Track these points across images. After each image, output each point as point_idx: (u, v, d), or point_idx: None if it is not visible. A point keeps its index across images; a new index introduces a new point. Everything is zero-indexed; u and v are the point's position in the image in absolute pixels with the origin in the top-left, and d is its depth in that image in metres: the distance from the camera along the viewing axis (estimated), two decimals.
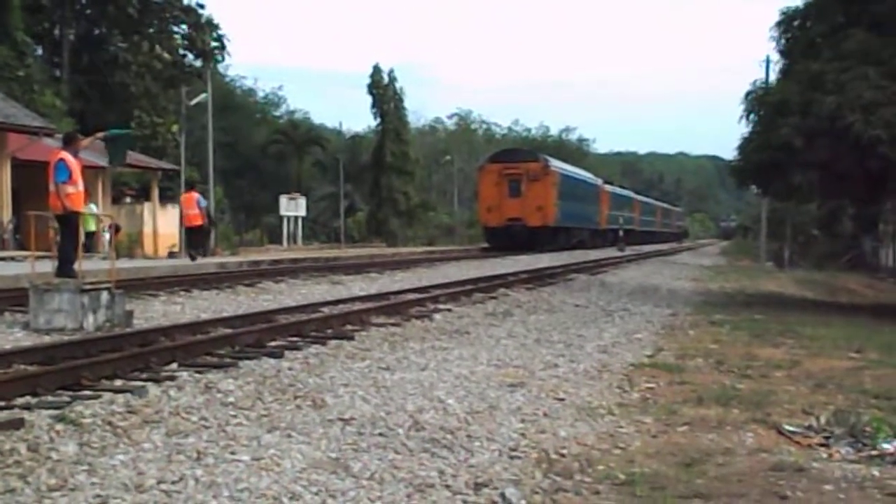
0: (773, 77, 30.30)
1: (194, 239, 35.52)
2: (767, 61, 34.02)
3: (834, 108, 23.21)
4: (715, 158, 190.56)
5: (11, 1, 48.09)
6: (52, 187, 16.32)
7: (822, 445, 8.50)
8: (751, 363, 13.41)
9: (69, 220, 16.46)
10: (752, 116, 26.55)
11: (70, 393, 9.41)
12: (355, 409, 9.18)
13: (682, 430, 9.03)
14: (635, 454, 8.06)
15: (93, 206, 38.41)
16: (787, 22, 27.24)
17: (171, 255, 42.33)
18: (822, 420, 9.26)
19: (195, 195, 35.56)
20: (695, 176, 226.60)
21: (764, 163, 25.54)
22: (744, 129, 26.96)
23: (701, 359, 13.84)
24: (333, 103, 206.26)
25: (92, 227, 37.97)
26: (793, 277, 43.56)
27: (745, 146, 26.82)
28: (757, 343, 16.02)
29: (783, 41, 27.57)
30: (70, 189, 16.29)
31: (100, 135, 18.71)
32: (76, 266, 16.01)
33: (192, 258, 33.46)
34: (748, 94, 26.87)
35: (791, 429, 9.03)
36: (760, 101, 26.37)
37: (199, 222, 35.18)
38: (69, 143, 17.13)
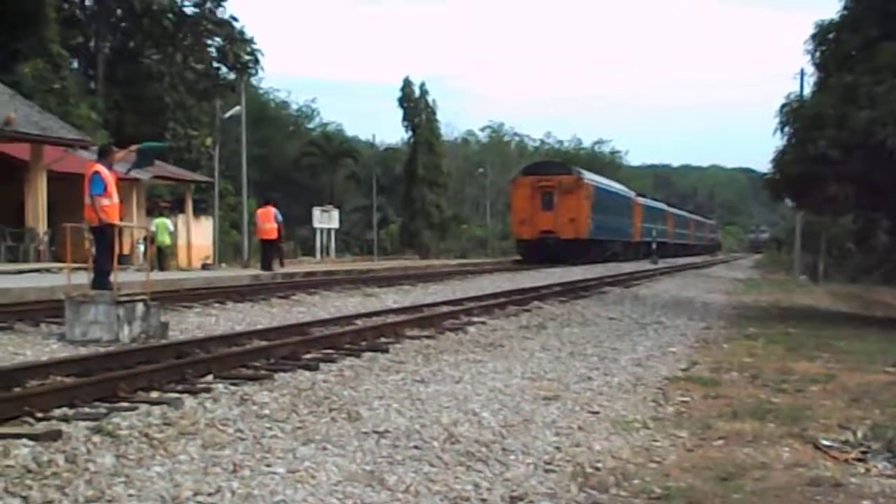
0: (807, 90, 30.15)
1: (269, 252, 35.79)
2: (802, 74, 33.83)
3: (868, 122, 23.10)
4: (748, 171, 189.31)
5: (47, 14, 48.43)
6: (87, 199, 16.43)
7: (859, 460, 8.44)
8: (786, 377, 13.33)
9: (104, 233, 16.55)
10: (786, 129, 26.41)
11: (107, 405, 9.44)
12: (390, 422, 9.18)
13: (718, 445, 8.99)
14: (671, 468, 8.03)
15: (168, 223, 38.92)
16: (822, 35, 27.10)
17: (205, 266, 42.51)
18: (859, 434, 9.20)
19: (272, 209, 35.82)
20: (728, 188, 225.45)
21: (799, 175, 25.42)
22: (778, 141, 26.84)
23: (736, 372, 13.78)
24: (366, 116, 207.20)
25: (167, 240, 38.40)
26: (827, 291, 43.32)
27: (780, 159, 26.69)
28: (792, 357, 15.93)
29: (818, 54, 27.41)
30: (105, 201, 16.39)
31: (134, 147, 18.83)
32: (112, 278, 16.08)
33: (266, 269, 34.15)
34: (783, 106, 26.73)
35: (828, 443, 8.97)
36: (795, 114, 26.24)
37: (274, 236, 35.53)
38: (104, 155, 17.26)
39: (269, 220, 35.55)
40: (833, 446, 8.88)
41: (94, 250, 17.05)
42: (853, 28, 26.13)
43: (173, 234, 41.31)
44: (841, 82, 24.63)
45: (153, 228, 37.20)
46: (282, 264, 37.09)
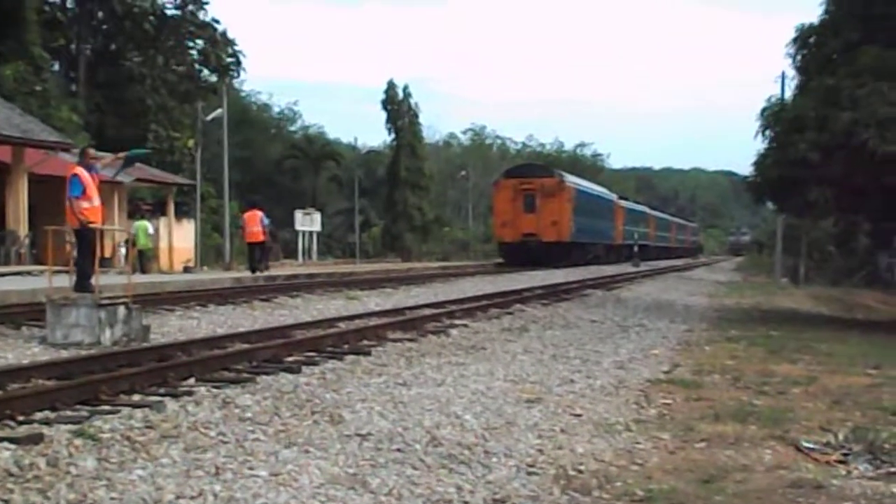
0: (788, 93, 30.25)
1: (256, 254, 36.58)
2: (783, 77, 33.89)
3: (849, 123, 23.19)
4: (730, 174, 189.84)
5: (28, 16, 48.29)
6: (67, 202, 16.39)
7: (840, 462, 8.48)
8: (768, 379, 13.38)
9: (85, 235, 16.50)
10: (767, 132, 26.48)
11: (88, 408, 9.43)
12: (372, 425, 9.19)
13: (700, 447, 9.01)
14: (653, 470, 8.05)
15: (149, 226, 39.22)
16: (803, 39, 27.20)
17: (187, 269, 42.41)
18: (841, 437, 9.24)
19: (259, 213, 36.59)
20: (710, 191, 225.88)
21: (780, 178, 25.50)
22: (759, 144, 26.92)
23: (717, 375, 13.82)
24: (348, 118, 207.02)
25: (148, 243, 38.69)
26: (808, 293, 43.43)
27: (761, 162, 26.77)
28: (774, 359, 15.98)
29: (799, 58, 27.51)
30: (85, 204, 16.34)
31: (121, 155, 18.78)
32: (93, 281, 16.04)
33: (253, 271, 34.94)
34: (764, 109, 26.81)
35: (809, 445, 9.01)
36: (776, 117, 26.31)
37: (260, 238, 36.41)
38: (83, 157, 17.23)
39: (255, 223, 36.20)
40: (815, 448, 8.91)
41: (75, 253, 17.02)
42: (834, 32, 26.23)
43: (153, 237, 41.33)
44: (822, 85, 24.71)
45: (133, 231, 37.17)
46: (266, 267, 37.69)
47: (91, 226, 16.49)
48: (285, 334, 15.71)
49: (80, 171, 16.52)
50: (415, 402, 10.50)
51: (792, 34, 27.34)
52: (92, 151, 17.82)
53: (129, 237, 34.91)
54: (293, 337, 15.33)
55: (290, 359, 13.18)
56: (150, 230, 40.09)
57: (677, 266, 73.94)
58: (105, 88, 59.28)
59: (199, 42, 65.07)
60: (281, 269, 46.82)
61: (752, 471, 8.11)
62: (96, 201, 16.67)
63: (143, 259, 38.51)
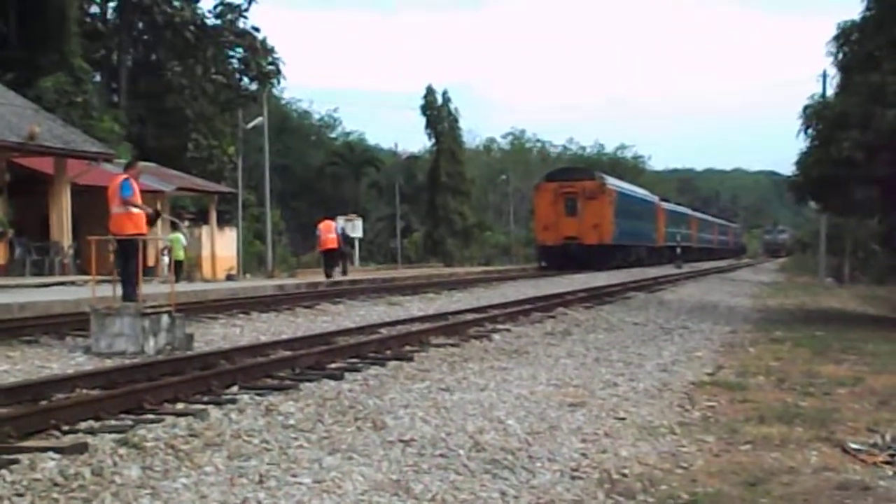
0: (829, 92, 30.02)
1: (330, 260, 39.60)
2: (824, 76, 33.70)
3: (895, 121, 22.96)
4: (772, 174, 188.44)
5: (69, 28, 48.66)
6: (114, 210, 16.42)
7: (887, 463, 8.38)
8: (813, 380, 13.26)
9: (131, 244, 16.57)
10: (809, 131, 26.28)
11: (132, 417, 9.48)
12: (415, 431, 9.18)
13: (745, 449, 8.94)
14: (698, 474, 7.99)
15: (182, 237, 40.01)
16: (845, 36, 26.94)
17: (230, 277, 42.61)
18: (888, 437, 9.15)
19: (332, 223, 40.56)
20: (752, 192, 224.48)
21: (823, 178, 25.31)
22: (802, 143, 26.72)
23: (762, 376, 13.71)
24: (388, 125, 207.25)
25: (183, 255, 39.43)
26: (853, 293, 43.13)
27: (804, 161, 26.57)
28: (819, 360, 15.83)
29: (840, 55, 27.25)
30: (134, 210, 16.43)
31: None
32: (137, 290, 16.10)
33: (328, 276, 38.01)
34: (806, 108, 26.61)
35: (856, 447, 8.92)
36: (819, 116, 26.10)
37: (334, 245, 39.53)
38: (129, 168, 17.30)
39: (330, 232, 39.41)
40: (861, 449, 8.82)
41: (119, 262, 17.06)
42: (876, 28, 25.97)
43: (190, 247, 42.54)
44: (866, 82, 24.46)
45: (168, 243, 37.77)
46: (345, 272, 42.58)
47: (138, 234, 16.57)
48: (328, 341, 15.75)
49: (130, 178, 16.62)
50: (458, 407, 10.48)
51: (832, 32, 27.11)
52: (139, 165, 17.85)
53: (169, 246, 35.15)
54: (336, 343, 15.35)
55: (332, 365, 13.21)
56: (183, 241, 40.60)
57: (720, 267, 73.57)
58: (146, 98, 59.68)
59: (239, 51, 65.46)
60: (323, 275, 47.01)
61: (798, 473, 8.03)
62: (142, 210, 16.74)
63: (179, 270, 39.01)
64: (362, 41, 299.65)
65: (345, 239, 43.72)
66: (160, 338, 15.01)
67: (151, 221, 17.38)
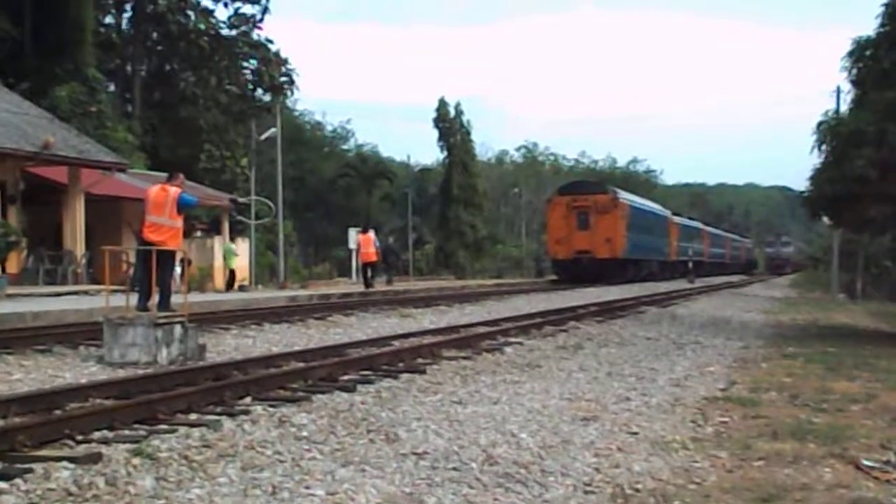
0: (843, 107, 29.96)
1: (369, 272, 41.77)
2: (838, 91, 33.73)
3: None
4: (785, 189, 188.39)
5: (85, 38, 48.83)
6: (159, 220, 16.26)
7: None
8: (826, 397, 13.21)
9: (171, 254, 16.61)
10: (823, 147, 26.18)
11: (146, 427, 9.50)
12: (428, 444, 9.18)
13: (758, 465, 8.92)
14: (711, 489, 7.97)
15: (233, 247, 41.58)
16: (860, 51, 26.85)
17: (242, 288, 42.66)
18: None
19: (371, 236, 42.31)
20: (764, 207, 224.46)
21: (836, 194, 25.22)
22: (815, 159, 26.61)
23: (775, 392, 13.68)
24: (401, 137, 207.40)
25: (234, 264, 43.04)
26: (866, 309, 43.00)
27: (817, 177, 26.48)
28: (832, 376, 15.78)
29: (855, 71, 27.17)
30: (179, 223, 16.45)
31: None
32: (149, 302, 16.07)
33: (367, 286, 40.00)
34: (819, 124, 26.51)
35: (869, 463, 8.89)
36: (832, 132, 26.01)
37: (374, 259, 42.00)
38: (174, 179, 17.07)
39: (369, 245, 41.52)
40: (875, 466, 8.79)
41: (141, 271, 16.94)
42: (891, 44, 25.91)
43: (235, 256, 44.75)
44: (881, 98, 24.40)
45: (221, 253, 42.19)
46: (390, 282, 47.16)
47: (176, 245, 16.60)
48: (340, 353, 15.76)
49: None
50: (470, 420, 10.48)
51: (847, 48, 27.05)
52: (182, 177, 17.57)
53: (185, 256, 35.20)
54: (348, 355, 15.36)
55: (345, 377, 13.21)
56: (235, 250, 43.89)
57: (733, 282, 73.47)
58: (160, 109, 59.88)
59: (253, 62, 65.51)
60: (335, 287, 47.15)
61: (811, 489, 8.02)
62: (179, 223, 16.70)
63: (233, 278, 42.70)
64: (376, 53, 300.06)
65: (391, 251, 48.31)
66: (173, 348, 15.04)
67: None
